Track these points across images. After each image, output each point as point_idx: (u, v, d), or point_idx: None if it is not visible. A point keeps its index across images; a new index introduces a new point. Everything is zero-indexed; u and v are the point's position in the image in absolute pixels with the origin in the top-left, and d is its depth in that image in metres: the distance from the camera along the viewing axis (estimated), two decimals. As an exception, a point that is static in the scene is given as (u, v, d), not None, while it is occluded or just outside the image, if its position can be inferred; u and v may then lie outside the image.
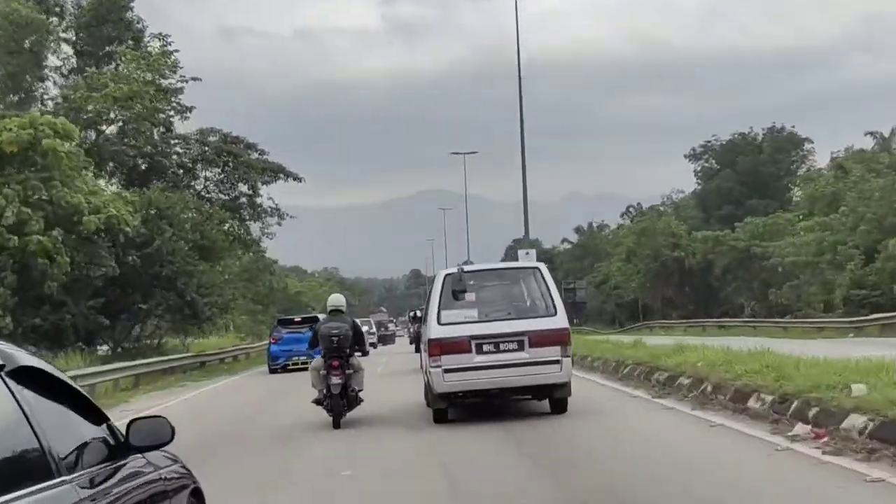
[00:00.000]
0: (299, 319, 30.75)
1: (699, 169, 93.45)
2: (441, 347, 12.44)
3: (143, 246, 27.67)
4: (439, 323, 12.67)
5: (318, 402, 13.92)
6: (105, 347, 32.35)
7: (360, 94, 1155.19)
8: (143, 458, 4.08)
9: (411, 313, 20.44)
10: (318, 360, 13.94)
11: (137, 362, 24.88)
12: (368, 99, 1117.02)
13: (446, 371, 12.35)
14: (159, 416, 4.13)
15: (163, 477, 4.24)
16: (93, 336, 28.75)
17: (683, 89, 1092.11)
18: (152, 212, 28.41)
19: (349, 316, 14.66)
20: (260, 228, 39.81)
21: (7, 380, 2.98)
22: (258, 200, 39.27)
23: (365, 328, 24.57)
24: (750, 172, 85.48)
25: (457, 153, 65.62)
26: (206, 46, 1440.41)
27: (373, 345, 50.61)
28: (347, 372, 13.64)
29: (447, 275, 13.32)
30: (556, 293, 13.05)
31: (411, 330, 43.41)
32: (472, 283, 13.39)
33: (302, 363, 26.62)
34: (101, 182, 30.91)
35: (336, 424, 13.35)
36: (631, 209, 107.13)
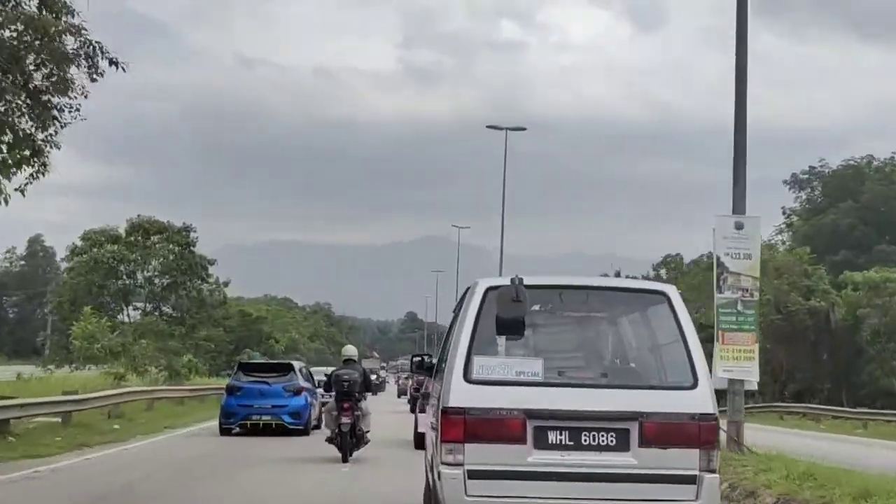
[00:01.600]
0: (267, 366, 24.17)
1: (800, 203, 71.69)
2: (466, 427, 6.39)
3: None
4: (467, 378, 6.52)
5: (330, 440, 15.88)
6: None
7: (372, 135, 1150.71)
8: None
9: (416, 358, 8.48)
10: (331, 403, 15.97)
11: None
12: (380, 140, 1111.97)
13: (473, 475, 6.35)
14: None
15: None
16: None
17: (690, 155, 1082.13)
18: None
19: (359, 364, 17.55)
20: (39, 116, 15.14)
21: None
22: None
23: None
24: (878, 207, 63.82)
25: (494, 127, 47.11)
26: (223, 74, 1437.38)
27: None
28: (356, 413, 15.60)
29: (491, 289, 6.79)
30: (697, 345, 6.61)
31: (402, 382, 34.73)
32: (536, 310, 7.08)
33: (265, 423, 20.99)
34: None
35: (345, 459, 15.37)
36: (669, 259, 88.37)
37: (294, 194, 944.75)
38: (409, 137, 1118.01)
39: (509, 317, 6.54)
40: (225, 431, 21.27)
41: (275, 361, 25.98)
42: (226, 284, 53.03)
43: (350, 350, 17.66)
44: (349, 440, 15.47)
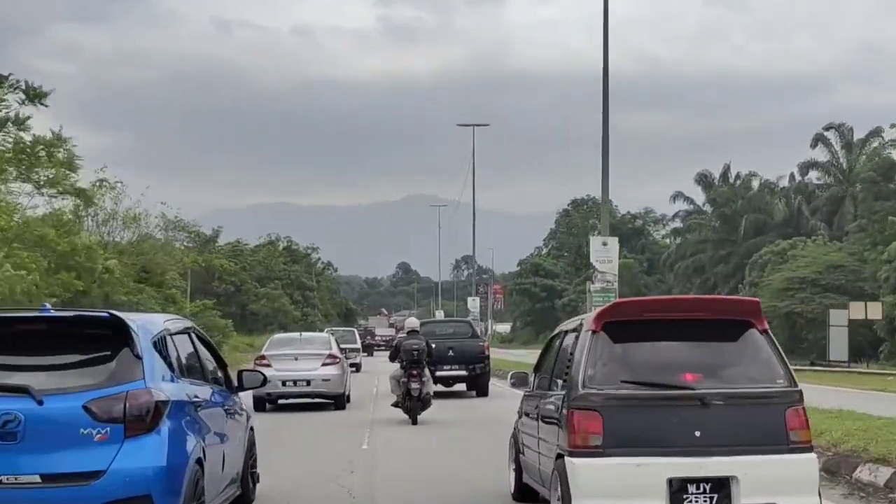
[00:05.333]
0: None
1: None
2: None
3: None
4: None
5: (396, 405, 17.42)
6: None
7: (353, 95, 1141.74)
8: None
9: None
10: (397, 371, 17.35)
11: None
12: (361, 99, 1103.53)
13: None
14: None
15: None
16: None
17: (676, 107, 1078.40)
18: None
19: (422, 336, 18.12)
20: None
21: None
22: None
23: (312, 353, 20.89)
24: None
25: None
26: (199, 37, 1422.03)
27: (355, 366, 33.32)
28: (423, 379, 17.12)
29: None
30: None
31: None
32: None
33: None
34: None
35: (414, 421, 16.91)
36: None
37: (278, 157, 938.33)
38: (392, 96, 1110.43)
39: None
40: None
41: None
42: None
43: (413, 322, 19.43)
44: (417, 403, 16.90)
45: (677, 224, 75.63)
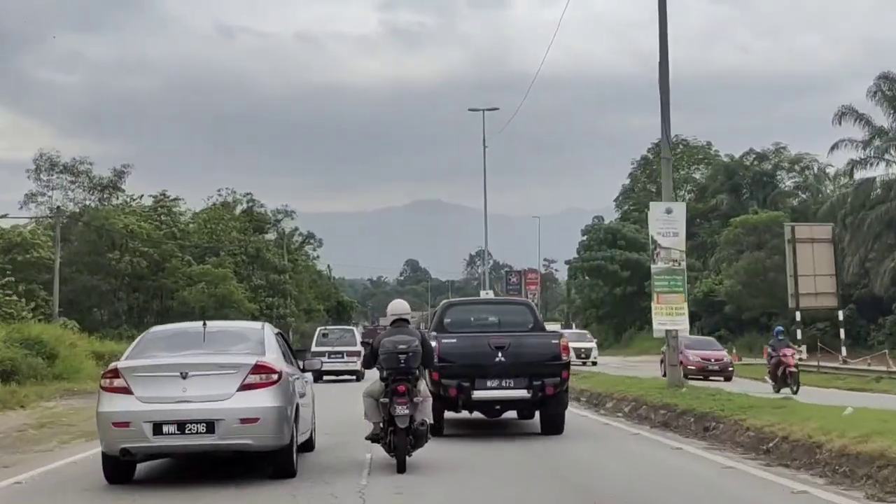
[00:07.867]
0: None
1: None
2: None
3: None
4: None
5: (375, 438, 11.01)
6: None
7: (357, 100, 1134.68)
8: None
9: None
10: (375, 385, 11.07)
11: None
12: (366, 105, 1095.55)
13: None
14: None
15: None
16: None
17: (683, 107, 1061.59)
18: None
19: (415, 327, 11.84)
20: None
21: None
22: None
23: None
24: None
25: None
26: (203, 43, 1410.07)
27: (355, 374, 30.67)
28: (415, 400, 10.73)
29: None
30: None
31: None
32: None
33: None
34: None
35: (401, 465, 10.45)
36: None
37: (281, 163, 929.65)
38: (396, 101, 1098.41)
39: None
40: None
41: None
42: None
43: (400, 306, 11.55)
44: (406, 437, 10.54)
45: (837, 161, 50.71)
